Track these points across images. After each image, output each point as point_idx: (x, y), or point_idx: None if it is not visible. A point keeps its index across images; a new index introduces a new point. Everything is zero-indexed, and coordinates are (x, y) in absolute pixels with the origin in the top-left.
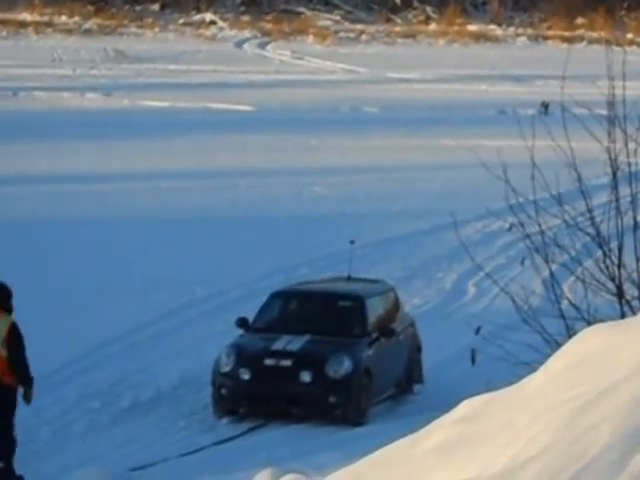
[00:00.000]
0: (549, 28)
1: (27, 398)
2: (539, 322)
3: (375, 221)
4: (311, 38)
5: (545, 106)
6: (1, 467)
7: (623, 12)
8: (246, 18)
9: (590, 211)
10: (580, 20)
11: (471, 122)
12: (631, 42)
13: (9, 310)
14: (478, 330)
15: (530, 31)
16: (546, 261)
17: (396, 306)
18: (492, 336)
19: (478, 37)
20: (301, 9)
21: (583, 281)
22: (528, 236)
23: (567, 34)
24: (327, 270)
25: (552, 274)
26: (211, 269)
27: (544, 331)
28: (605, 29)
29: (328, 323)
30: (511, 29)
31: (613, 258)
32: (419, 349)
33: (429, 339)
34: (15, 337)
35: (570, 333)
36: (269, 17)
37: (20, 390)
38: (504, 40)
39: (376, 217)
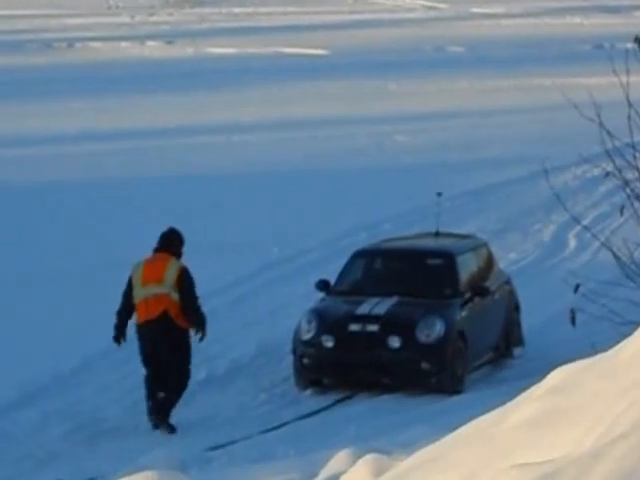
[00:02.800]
0: None
1: (201, 337)
2: None
3: (464, 170)
4: None
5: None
6: (162, 396)
7: None
8: None
9: None
10: None
11: (565, 59)
12: None
13: (179, 256)
14: (577, 288)
15: None
16: None
17: (490, 262)
18: (594, 294)
19: None
20: None
21: None
22: (627, 183)
23: None
24: (413, 226)
25: None
26: (288, 228)
27: None
28: None
29: (416, 283)
30: None
31: None
32: (517, 309)
33: (527, 298)
34: (185, 281)
35: None
36: None
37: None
38: None
39: (465, 166)
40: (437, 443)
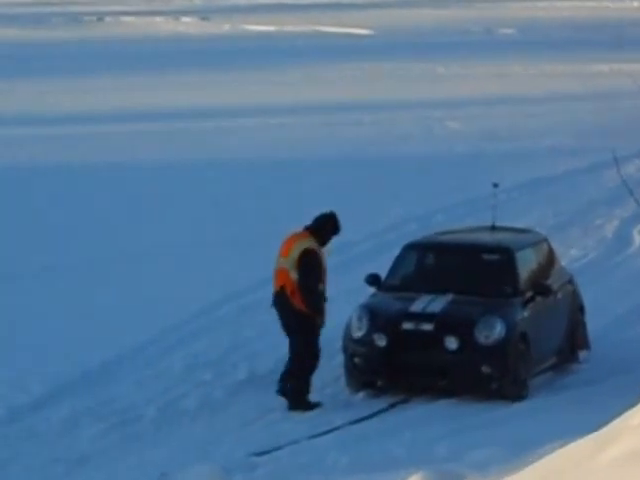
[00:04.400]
0: None
1: (319, 323)
2: None
3: (520, 160)
4: None
5: None
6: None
7: None
8: None
9: None
10: None
11: (625, 43)
12: None
13: (322, 240)
14: None
15: None
16: None
17: (551, 259)
18: None
19: None
20: None
21: None
22: None
23: None
24: (466, 218)
25: None
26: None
27: None
28: None
29: (473, 280)
30: None
31: None
32: (581, 309)
33: (591, 298)
34: (305, 262)
35: None
36: None
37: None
38: None
39: (521, 156)
40: (523, 474)
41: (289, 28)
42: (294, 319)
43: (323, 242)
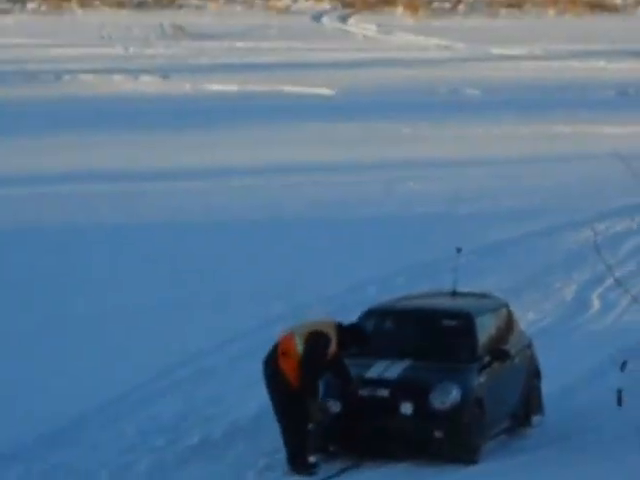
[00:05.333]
0: None
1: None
2: None
3: (481, 223)
4: (400, 9)
5: None
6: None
7: None
8: None
9: None
10: None
11: (588, 105)
12: None
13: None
14: (623, 365)
15: None
16: None
17: (510, 324)
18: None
19: (593, 6)
20: None
21: None
22: None
23: None
24: (426, 281)
25: None
26: (292, 280)
27: None
28: None
29: (431, 346)
30: None
31: None
32: (538, 374)
33: (548, 362)
34: (309, 343)
35: None
36: None
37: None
38: (624, 9)
39: (482, 218)
40: None
41: (251, 88)
42: (293, 398)
43: (342, 343)
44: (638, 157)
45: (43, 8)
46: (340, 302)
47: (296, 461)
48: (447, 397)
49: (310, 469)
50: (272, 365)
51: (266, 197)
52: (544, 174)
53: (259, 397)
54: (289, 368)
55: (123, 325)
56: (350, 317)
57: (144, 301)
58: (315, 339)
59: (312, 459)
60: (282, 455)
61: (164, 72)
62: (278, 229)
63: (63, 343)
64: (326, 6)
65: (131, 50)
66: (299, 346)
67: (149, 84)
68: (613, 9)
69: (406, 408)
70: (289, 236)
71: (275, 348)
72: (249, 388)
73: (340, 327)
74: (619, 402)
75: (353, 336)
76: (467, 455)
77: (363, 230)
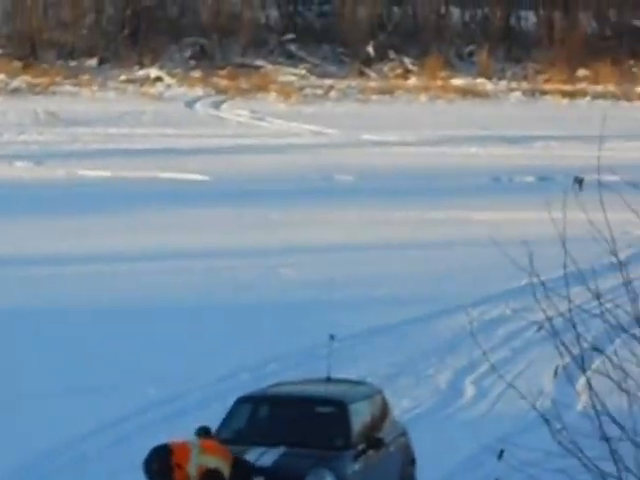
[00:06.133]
0: (547, 81)
1: None
2: (574, 443)
3: (355, 309)
4: (273, 96)
5: (579, 182)
6: None
7: (632, 62)
8: (197, 74)
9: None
10: (582, 72)
11: (461, 191)
12: None
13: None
14: (501, 454)
15: (525, 85)
16: (582, 368)
17: (384, 412)
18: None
19: (465, 92)
20: (260, 62)
21: (628, 393)
22: (560, 340)
23: (568, 88)
24: (300, 367)
25: (591, 385)
26: (164, 368)
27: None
28: (611, 81)
29: (305, 433)
30: (503, 83)
31: None
32: (413, 462)
33: (423, 450)
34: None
35: (615, 457)
36: (223, 72)
37: None
38: (495, 96)
39: (355, 304)
40: None
41: (124, 174)
42: None
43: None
44: (512, 243)
45: None
46: (215, 389)
47: None
48: None
49: None
50: (166, 474)
51: (139, 284)
52: (418, 260)
53: None
54: (182, 479)
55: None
56: (225, 404)
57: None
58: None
59: None
60: None
61: (38, 158)
62: (149, 317)
63: None
64: (199, 92)
65: (5, 136)
66: (193, 465)
67: (22, 170)
68: (484, 95)
69: None
70: (162, 324)
71: (167, 454)
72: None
73: (236, 462)
74: None
75: (244, 475)
76: None
77: (236, 317)
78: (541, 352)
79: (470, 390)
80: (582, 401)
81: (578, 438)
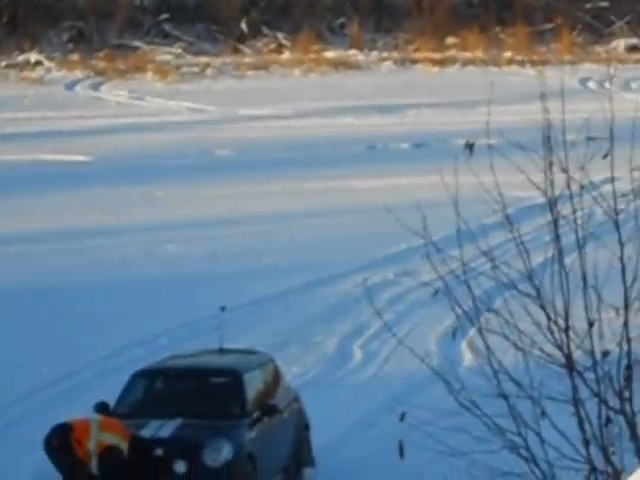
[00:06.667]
0: (416, 50)
1: None
2: (472, 401)
3: (240, 281)
4: (150, 75)
5: (470, 146)
6: None
7: (498, 29)
8: (75, 57)
9: (530, 272)
10: (451, 40)
11: (338, 161)
12: (510, 61)
13: None
14: (403, 417)
15: (396, 55)
16: (479, 330)
17: (277, 379)
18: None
19: (338, 64)
20: (136, 43)
21: (523, 350)
22: (456, 301)
23: (437, 56)
24: (190, 340)
25: (488, 346)
26: (57, 346)
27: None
28: (479, 48)
29: (202, 403)
30: (374, 54)
31: (560, 322)
32: (307, 427)
33: (316, 414)
34: (106, 459)
35: (514, 413)
36: (101, 54)
37: None
38: (367, 66)
39: (241, 276)
40: None
41: (8, 157)
42: None
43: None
44: (391, 209)
45: None
46: (109, 365)
47: None
48: (219, 454)
49: None
50: (67, 450)
51: (25, 265)
52: (300, 230)
53: (31, 465)
54: (83, 455)
55: None
56: (119, 379)
57: None
58: (112, 455)
59: None
60: None
61: None
62: (41, 295)
63: None
64: (79, 75)
65: None
66: (92, 442)
67: None
68: (357, 66)
69: (180, 466)
70: (53, 302)
71: (67, 431)
72: (19, 456)
73: (133, 439)
74: (401, 453)
75: (142, 452)
76: None
77: (125, 293)
78: (425, 314)
79: (358, 354)
80: (469, 360)
81: (476, 396)
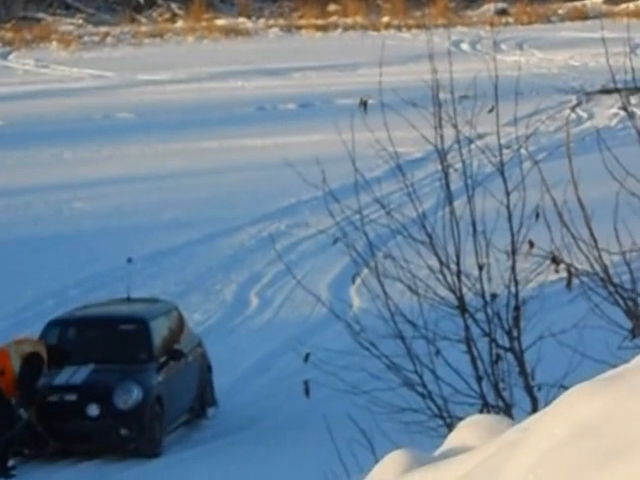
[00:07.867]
0: (301, 17)
1: None
2: (368, 341)
3: (144, 234)
4: (54, 45)
5: (364, 103)
6: None
7: None
8: None
9: (421, 215)
10: (333, 7)
11: (231, 121)
12: (388, 25)
13: None
14: (307, 357)
15: (282, 22)
16: (378, 277)
17: (181, 326)
18: (280, 348)
19: (228, 32)
20: (41, 15)
21: (417, 293)
22: (354, 247)
23: (320, 22)
24: (98, 290)
25: (385, 290)
26: None
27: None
28: (359, 14)
29: (112, 350)
30: (261, 21)
31: (452, 266)
32: (210, 369)
33: (217, 357)
34: (30, 363)
35: (410, 353)
36: (8, 25)
37: None
38: (255, 33)
39: (145, 230)
40: None
41: None
42: None
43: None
44: (280, 165)
45: None
46: (22, 316)
47: None
48: (129, 397)
49: (9, 471)
50: None
51: None
52: (197, 186)
53: None
54: (6, 385)
55: None
56: (32, 329)
57: None
58: (35, 360)
59: (11, 462)
60: None
61: None
62: None
63: None
64: None
65: None
66: (15, 363)
67: None
68: (246, 33)
69: (92, 410)
70: None
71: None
72: None
73: (46, 346)
74: (306, 393)
75: (57, 354)
76: (150, 449)
77: (35, 249)
78: (315, 264)
79: (255, 301)
80: (358, 303)
81: (374, 337)
